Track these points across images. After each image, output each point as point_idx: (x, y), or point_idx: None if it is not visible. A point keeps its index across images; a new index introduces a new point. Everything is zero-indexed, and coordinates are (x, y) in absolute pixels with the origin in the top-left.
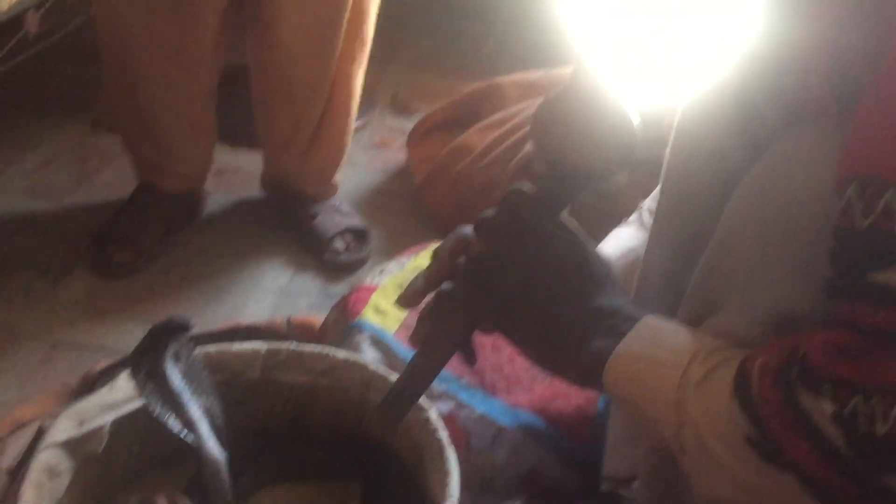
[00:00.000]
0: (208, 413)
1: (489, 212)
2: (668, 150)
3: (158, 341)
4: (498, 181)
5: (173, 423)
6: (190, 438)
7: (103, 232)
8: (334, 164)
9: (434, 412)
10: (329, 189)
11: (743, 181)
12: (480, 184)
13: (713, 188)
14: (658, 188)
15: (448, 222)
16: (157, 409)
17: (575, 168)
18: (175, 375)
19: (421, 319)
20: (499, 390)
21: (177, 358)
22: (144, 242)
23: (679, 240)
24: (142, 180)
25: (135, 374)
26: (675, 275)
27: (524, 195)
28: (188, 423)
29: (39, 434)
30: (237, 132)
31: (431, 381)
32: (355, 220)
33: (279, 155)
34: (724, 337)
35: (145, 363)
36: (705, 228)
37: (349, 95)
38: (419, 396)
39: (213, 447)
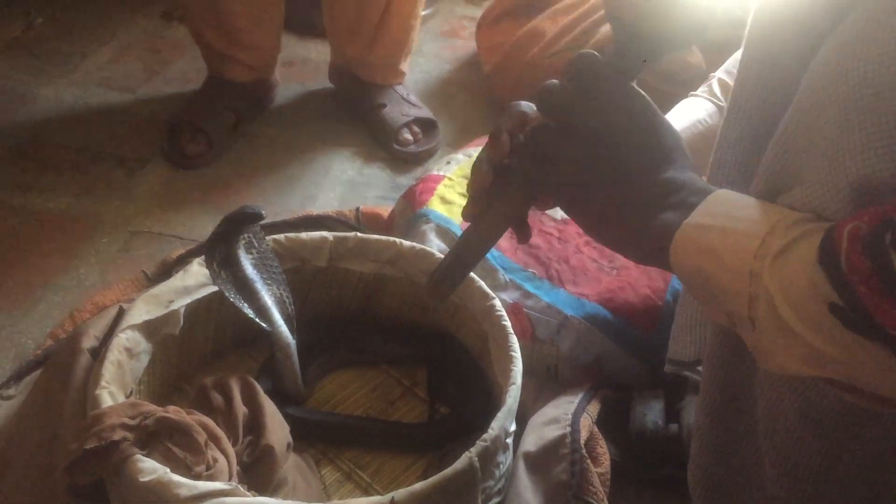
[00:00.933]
0: (279, 301)
1: (552, 82)
2: (750, 18)
3: (232, 230)
4: None
5: (248, 309)
6: (263, 323)
7: (175, 123)
8: (400, 52)
9: (499, 301)
10: (396, 77)
11: (825, 45)
12: (552, 71)
13: (797, 55)
14: (730, 59)
15: None
16: (233, 296)
17: (651, 32)
18: (248, 264)
19: (475, 197)
20: (565, 281)
21: (249, 247)
22: (216, 133)
23: (759, 114)
24: (212, 71)
25: (209, 262)
26: (750, 157)
27: (594, 60)
28: (261, 310)
29: (119, 316)
30: (305, 21)
31: (483, 255)
32: (423, 111)
33: (345, 42)
34: (802, 210)
35: (219, 251)
36: (787, 100)
37: None
38: (471, 269)
39: (285, 332)
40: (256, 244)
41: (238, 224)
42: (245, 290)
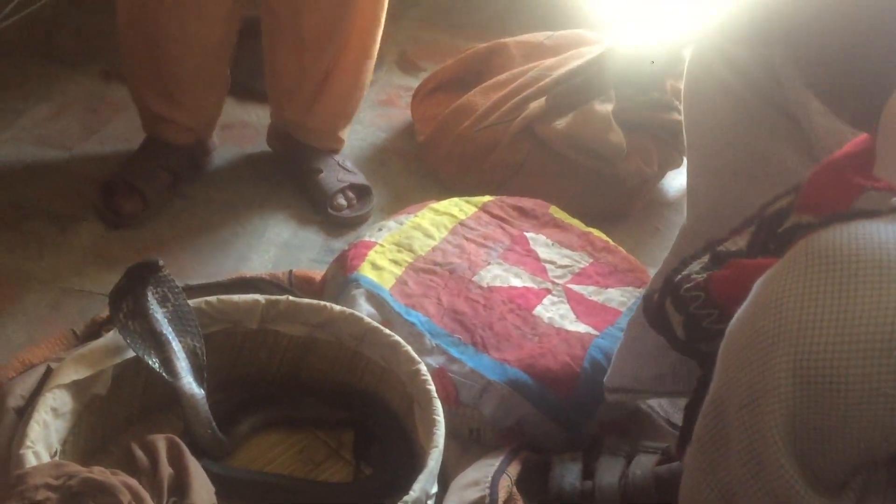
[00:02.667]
0: (191, 352)
1: None
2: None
3: (133, 282)
4: (499, 142)
5: (152, 361)
6: (166, 375)
7: (111, 181)
8: (340, 120)
9: (424, 366)
10: (334, 143)
11: None
12: (482, 144)
13: None
14: None
15: (449, 182)
16: (136, 347)
17: None
18: (160, 316)
19: None
20: (489, 347)
21: (164, 301)
22: (152, 193)
23: None
24: (149, 132)
25: (114, 313)
26: None
27: None
28: (166, 361)
29: (46, 376)
30: (245, 86)
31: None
32: (358, 177)
33: (285, 104)
34: None
35: (126, 303)
36: None
37: (363, 53)
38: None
39: (190, 383)
40: (172, 298)
41: (138, 276)
42: (154, 342)
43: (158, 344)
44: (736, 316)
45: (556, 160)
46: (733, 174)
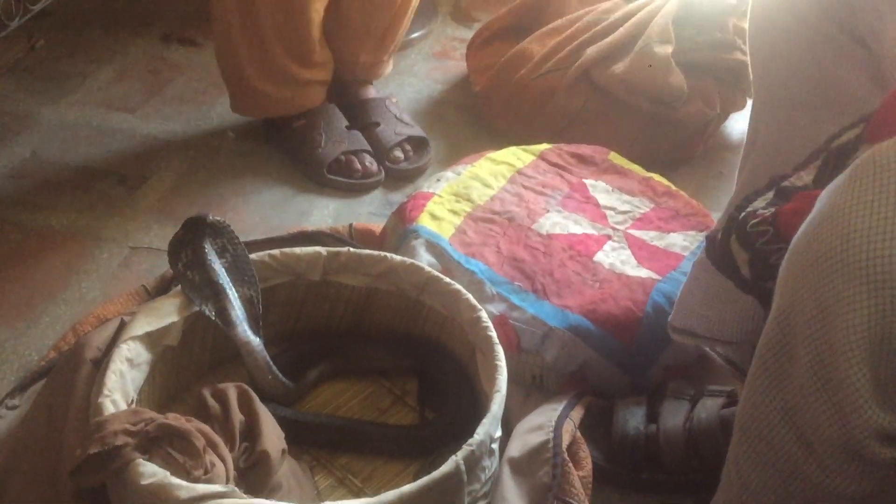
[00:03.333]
0: (248, 301)
1: None
2: None
3: (194, 233)
4: (556, 89)
5: (208, 310)
6: (221, 323)
7: (333, 162)
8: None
9: (485, 313)
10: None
11: None
12: (539, 92)
13: None
14: None
15: (506, 132)
16: (193, 295)
17: None
18: (217, 266)
19: None
20: (549, 294)
21: (223, 251)
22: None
23: None
24: (283, 109)
25: (173, 264)
26: None
27: None
28: (221, 311)
29: (120, 328)
30: None
31: None
32: (415, 130)
33: (357, 48)
34: None
35: (185, 254)
36: None
37: None
38: None
39: (246, 331)
40: (231, 248)
41: (194, 227)
42: (211, 291)
43: (215, 293)
44: (800, 231)
45: (615, 106)
46: (799, 105)
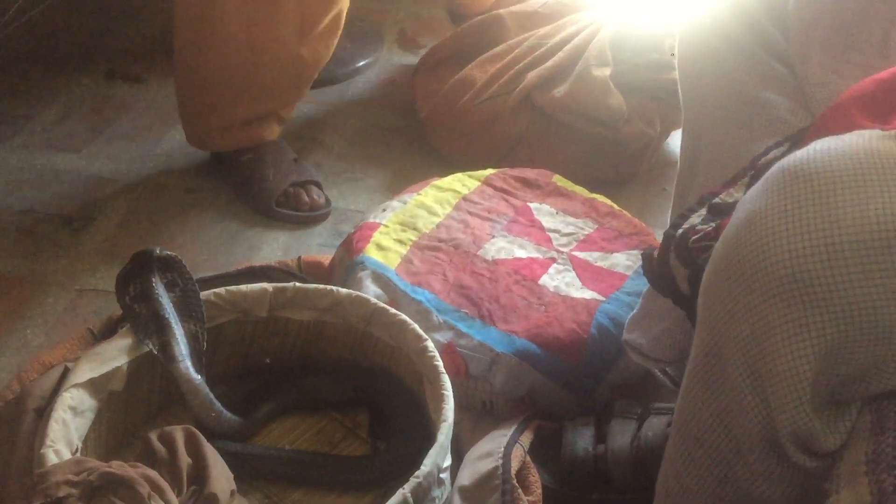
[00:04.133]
0: (193, 337)
1: None
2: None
3: (143, 267)
4: (499, 114)
5: (150, 344)
6: (162, 359)
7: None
8: None
9: (431, 342)
10: None
11: None
12: (482, 118)
13: None
14: None
15: (452, 158)
16: (138, 329)
17: None
18: (165, 301)
19: None
20: (496, 319)
21: (172, 285)
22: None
23: None
24: (236, 142)
25: (120, 296)
26: None
27: None
28: (164, 345)
29: (64, 375)
30: None
31: None
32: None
33: None
34: None
35: (134, 286)
36: None
37: None
38: None
39: (188, 367)
40: (181, 283)
41: (143, 260)
42: (155, 326)
43: (159, 328)
44: (719, 240)
45: (557, 128)
46: (725, 125)
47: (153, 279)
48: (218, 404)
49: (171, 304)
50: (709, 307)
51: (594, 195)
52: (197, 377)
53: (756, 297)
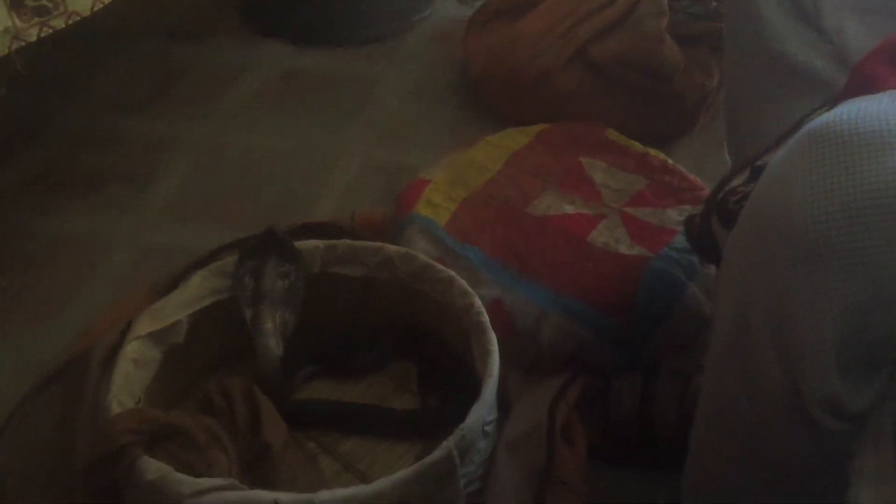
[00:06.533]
0: (282, 324)
1: None
2: None
3: (266, 248)
4: (552, 70)
5: (247, 316)
6: (253, 332)
7: None
8: None
9: (478, 299)
10: None
11: None
12: (535, 73)
13: None
14: None
15: (504, 114)
16: (241, 296)
17: None
18: (270, 282)
19: None
20: (543, 277)
21: (284, 275)
22: None
23: None
24: None
25: (238, 266)
26: None
27: None
28: (257, 317)
29: (128, 329)
30: (306, 32)
31: None
32: None
33: None
34: None
35: (252, 261)
36: None
37: None
38: None
39: (273, 345)
40: (292, 277)
41: (267, 242)
42: (255, 299)
43: (258, 302)
44: (745, 207)
45: (611, 82)
46: (769, 86)
47: (270, 263)
48: (287, 386)
49: (276, 291)
50: (734, 272)
51: (648, 150)
52: (278, 354)
53: (779, 263)
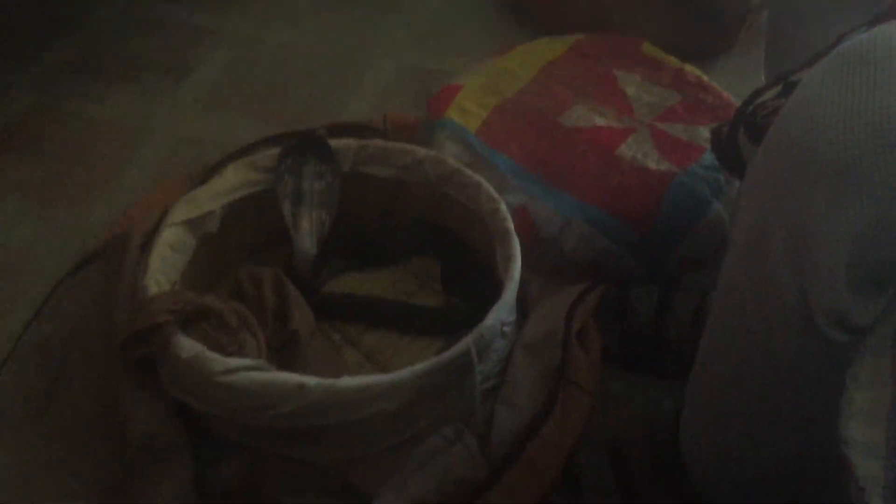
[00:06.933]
0: (319, 223)
1: None
2: None
3: (305, 148)
4: None
5: (286, 212)
6: (291, 229)
7: None
8: None
9: (504, 204)
10: None
11: None
12: None
13: None
14: None
15: (545, 20)
16: (281, 195)
17: None
18: (309, 184)
19: None
20: (569, 186)
21: (319, 175)
22: None
23: None
24: None
25: (278, 163)
26: None
27: None
28: (297, 216)
29: (164, 215)
30: None
31: None
32: None
33: None
34: None
35: (292, 159)
36: None
37: None
38: None
39: (308, 245)
40: (329, 177)
41: (307, 143)
42: (295, 198)
43: (297, 201)
44: (774, 122)
45: None
46: (815, 7)
47: (309, 162)
48: (317, 281)
49: (313, 189)
50: (757, 183)
51: (684, 65)
52: (312, 252)
53: (800, 178)
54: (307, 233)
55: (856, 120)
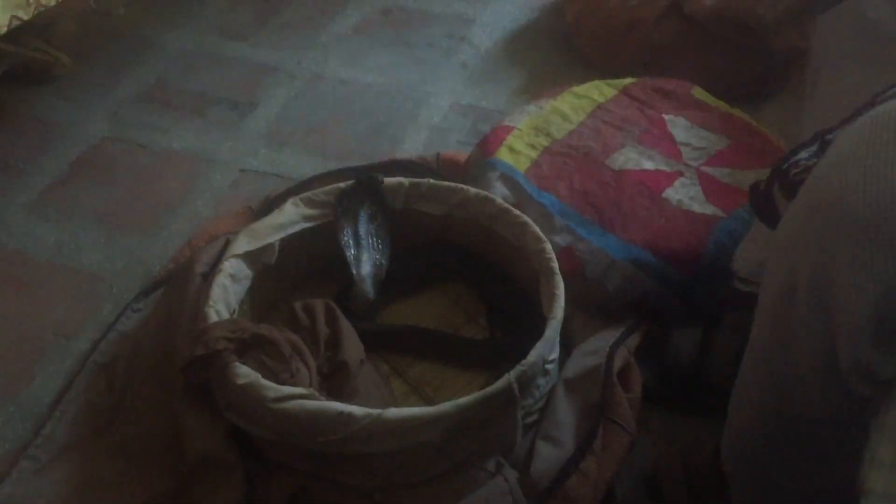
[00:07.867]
0: (378, 267)
1: None
2: None
3: (359, 192)
4: (645, 20)
5: (349, 257)
6: (354, 269)
7: None
8: None
9: (549, 245)
10: None
11: None
12: (627, 22)
13: None
14: None
15: (596, 62)
16: (343, 239)
17: None
18: (362, 224)
19: None
20: (616, 227)
21: (372, 217)
22: None
23: None
24: None
25: (336, 204)
26: None
27: None
28: (358, 259)
29: (226, 246)
30: None
31: None
32: None
33: None
34: None
35: (347, 201)
36: None
37: None
38: None
39: (368, 289)
40: (380, 219)
41: (362, 186)
42: (354, 240)
43: (356, 244)
44: (808, 179)
45: (704, 37)
46: (855, 61)
47: (364, 204)
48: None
49: (369, 231)
50: (788, 237)
51: (733, 110)
52: (370, 297)
53: (828, 235)
54: (367, 277)
55: (882, 183)
